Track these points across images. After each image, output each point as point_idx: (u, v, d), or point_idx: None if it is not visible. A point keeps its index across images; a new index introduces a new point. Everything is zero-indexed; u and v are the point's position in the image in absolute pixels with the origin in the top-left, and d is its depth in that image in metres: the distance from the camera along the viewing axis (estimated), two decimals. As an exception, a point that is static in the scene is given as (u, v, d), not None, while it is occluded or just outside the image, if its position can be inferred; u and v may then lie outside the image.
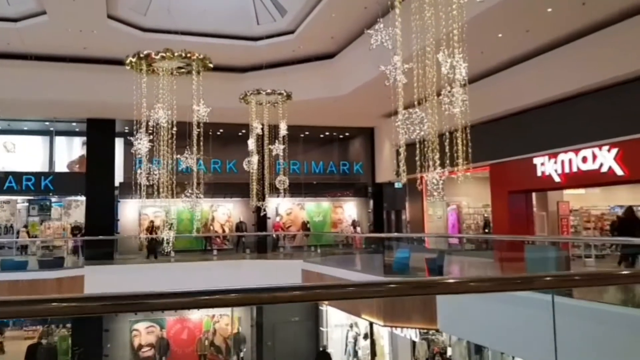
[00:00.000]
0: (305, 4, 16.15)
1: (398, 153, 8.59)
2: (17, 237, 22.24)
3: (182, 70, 11.75)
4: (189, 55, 10.63)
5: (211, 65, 11.43)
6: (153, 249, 19.06)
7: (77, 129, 24.26)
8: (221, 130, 24.61)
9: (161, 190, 11.23)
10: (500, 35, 14.10)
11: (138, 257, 21.57)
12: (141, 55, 10.57)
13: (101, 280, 16.86)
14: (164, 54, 10.38)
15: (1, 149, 24.32)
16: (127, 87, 12.48)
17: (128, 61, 10.85)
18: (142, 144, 10.99)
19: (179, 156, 11.59)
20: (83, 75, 18.62)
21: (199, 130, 11.79)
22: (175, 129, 11.36)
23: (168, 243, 11.40)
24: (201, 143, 11.99)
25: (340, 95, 19.32)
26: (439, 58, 8.32)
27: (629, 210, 15.19)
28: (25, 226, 23.31)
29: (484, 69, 16.33)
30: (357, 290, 2.29)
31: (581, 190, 20.55)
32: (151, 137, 11.56)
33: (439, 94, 8.49)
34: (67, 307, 1.78)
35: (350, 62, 18.30)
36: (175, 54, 10.52)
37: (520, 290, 2.76)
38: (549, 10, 12.46)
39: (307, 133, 25.94)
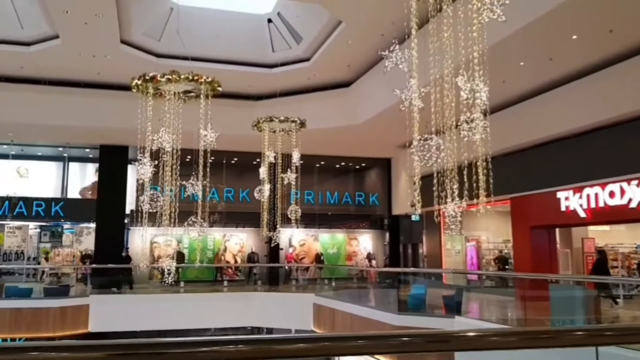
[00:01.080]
0: (321, 31, 15.84)
1: (414, 182, 7.98)
2: (37, 263, 22.15)
3: (191, 94, 11.33)
4: (196, 77, 10.24)
5: (220, 89, 11.03)
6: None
7: (90, 155, 24.13)
8: (235, 159, 24.34)
9: (164, 218, 10.71)
10: (522, 63, 13.56)
11: (149, 286, 21.08)
12: (147, 78, 10.21)
13: (106, 310, 16.34)
14: (169, 76, 10.01)
15: (15, 174, 24.19)
16: (140, 114, 12.20)
17: (134, 83, 10.49)
18: (145, 170, 10.54)
19: (184, 182, 11.10)
20: (96, 101, 18.46)
21: (206, 156, 11.27)
22: (179, 154, 10.89)
23: (169, 274, 10.83)
24: (208, 169, 11.48)
25: (356, 124, 18.89)
26: (458, 82, 7.78)
27: None
28: (47, 252, 23.10)
29: (505, 99, 15.76)
30: (359, 344, 1.80)
31: (605, 227, 19.67)
32: (157, 162, 11.12)
33: (457, 122, 7.92)
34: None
35: (366, 90, 17.89)
36: (182, 77, 10.13)
37: (551, 347, 2.11)
38: (574, 37, 11.92)
39: (322, 163, 25.52)
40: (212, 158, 24.23)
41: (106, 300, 16.98)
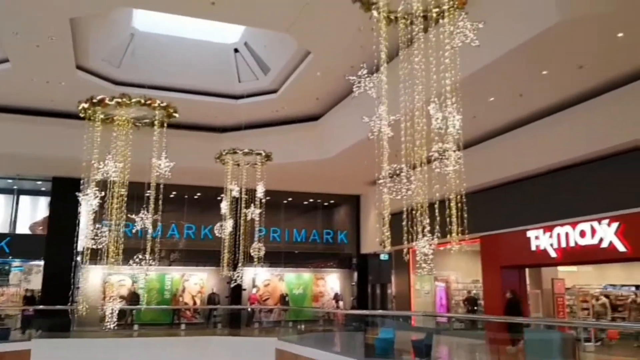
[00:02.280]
0: (289, 62, 15.37)
1: (382, 217, 7.33)
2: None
3: (145, 120, 10.58)
4: (148, 102, 9.51)
5: (176, 115, 10.33)
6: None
7: (42, 188, 22.83)
8: (199, 194, 23.48)
9: (110, 255, 9.78)
10: (492, 99, 13.28)
11: (99, 330, 19.66)
12: (95, 101, 9.43)
13: (50, 356, 14.98)
14: (119, 100, 9.26)
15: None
16: (86, 141, 11.37)
17: (80, 107, 9.69)
18: (90, 203, 9.65)
19: (134, 216, 10.23)
20: (49, 130, 17.47)
21: (158, 188, 10.45)
22: (127, 185, 10.04)
23: (111, 317, 9.82)
24: (160, 202, 10.64)
25: (325, 158, 18.35)
26: (430, 110, 7.26)
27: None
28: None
29: (475, 135, 15.45)
30: None
31: (573, 268, 19.39)
32: (103, 195, 10.24)
33: (429, 153, 7.35)
34: None
35: (335, 124, 17.43)
36: (133, 100, 9.40)
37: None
38: (544, 72, 11.68)
39: (289, 199, 24.87)
40: (174, 193, 23.68)
41: (51, 345, 15.62)
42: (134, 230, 11.01)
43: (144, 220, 10.59)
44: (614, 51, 10.41)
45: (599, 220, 13.54)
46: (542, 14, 9.52)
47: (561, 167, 14.23)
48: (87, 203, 10.03)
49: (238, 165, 15.86)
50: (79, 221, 13.86)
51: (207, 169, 17.45)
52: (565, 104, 13.09)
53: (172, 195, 23.83)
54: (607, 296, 17.76)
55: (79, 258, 20.94)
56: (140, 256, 10.05)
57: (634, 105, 11.58)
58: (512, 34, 10.30)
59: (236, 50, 16.65)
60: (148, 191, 10.96)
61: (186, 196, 23.67)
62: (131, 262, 10.08)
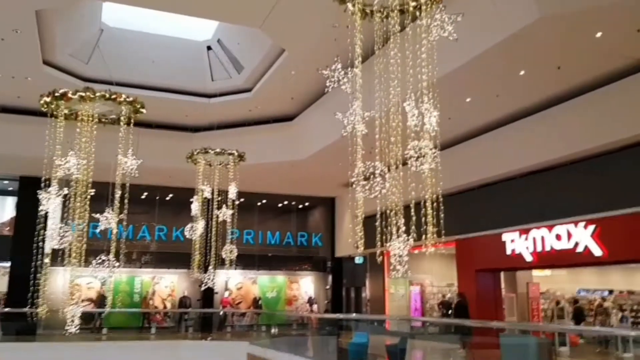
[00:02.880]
0: (263, 60, 15.02)
1: (355, 216, 7.03)
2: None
3: (112, 117, 10.11)
4: (113, 97, 9.06)
5: (143, 111, 9.89)
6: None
7: (10, 188, 22.05)
8: (171, 195, 22.97)
9: (73, 256, 9.30)
10: (468, 99, 13.14)
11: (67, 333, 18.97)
12: (57, 95, 8.95)
13: (14, 360, 14.40)
14: (83, 94, 8.81)
15: None
16: (49, 137, 10.83)
17: (42, 101, 9.19)
18: (51, 202, 9.16)
19: (98, 215, 9.76)
20: (15, 127, 16.83)
21: (124, 187, 9.99)
22: (90, 182, 9.55)
23: (72, 321, 9.33)
24: (126, 201, 10.18)
25: (300, 159, 18.03)
26: (406, 107, 6.99)
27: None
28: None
29: (451, 137, 15.30)
30: None
31: (547, 272, 19.41)
32: (66, 193, 9.74)
33: (405, 151, 7.06)
34: None
35: (310, 124, 17.12)
36: (97, 94, 8.94)
37: None
38: (522, 73, 11.55)
39: (264, 201, 24.51)
40: (145, 194, 23.05)
41: (15, 348, 15.07)
42: (98, 230, 10.51)
43: (109, 220, 10.10)
44: (593, 51, 10.32)
45: (575, 223, 13.47)
46: (521, 12, 9.36)
47: (537, 170, 14.16)
48: (48, 202, 9.51)
49: (210, 165, 15.43)
50: (44, 221, 13.30)
51: (178, 169, 17.00)
52: (543, 106, 13.01)
53: (143, 197, 23.34)
54: (576, 301, 17.82)
55: (47, 259, 20.23)
56: (103, 257, 9.57)
57: (611, 108, 11.54)
58: (490, 32, 10.13)
59: (209, 48, 16.25)
60: (116, 190, 10.46)
61: (158, 197, 23.13)
62: (94, 262, 9.59)
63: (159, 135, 18.65)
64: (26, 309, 15.73)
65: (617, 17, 9.18)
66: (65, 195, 10.20)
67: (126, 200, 10.35)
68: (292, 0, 11.50)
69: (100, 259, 9.51)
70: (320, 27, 11.91)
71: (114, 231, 10.38)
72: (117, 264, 9.70)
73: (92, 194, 9.59)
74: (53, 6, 12.41)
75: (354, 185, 6.94)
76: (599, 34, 9.69)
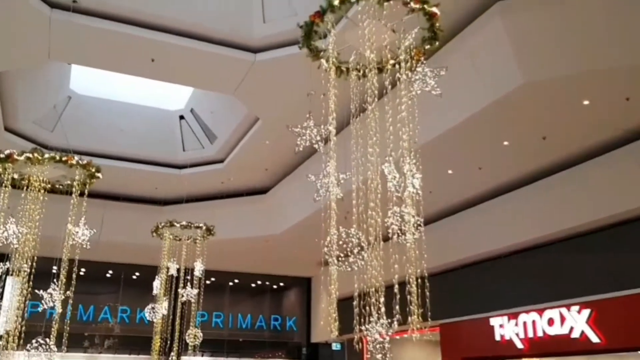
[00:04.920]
0: (236, 129, 14.44)
1: (329, 294, 6.05)
2: None
3: (66, 183, 9.19)
4: (64, 159, 8.21)
5: (99, 175, 8.98)
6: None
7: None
8: (137, 274, 21.63)
9: (8, 338, 8.03)
10: (450, 171, 12.51)
11: None
12: (1, 156, 8.08)
13: None
14: (29, 155, 7.96)
15: None
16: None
17: (-16, 163, 8.28)
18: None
19: (42, 292, 8.61)
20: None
21: (72, 262, 8.90)
22: (34, 255, 8.47)
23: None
24: (73, 277, 9.04)
25: (273, 234, 17.11)
26: (385, 170, 6.22)
27: None
28: None
29: (431, 212, 14.55)
30: None
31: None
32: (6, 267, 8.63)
33: (384, 237, 6.18)
34: None
35: (284, 197, 16.36)
36: (46, 156, 8.10)
37: None
38: (505, 143, 11.01)
39: (236, 281, 23.40)
40: (110, 272, 21.66)
41: None
42: (40, 310, 9.30)
43: (53, 297, 8.92)
44: (580, 121, 9.85)
45: (568, 307, 12.48)
46: (504, 77, 8.92)
47: (526, 248, 13.35)
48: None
49: (180, 240, 14.41)
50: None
51: (146, 246, 15.93)
52: (529, 179, 12.41)
53: (108, 275, 21.97)
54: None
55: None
56: (40, 340, 8.29)
57: (603, 181, 10.94)
58: (471, 98, 9.65)
59: (182, 117, 15.71)
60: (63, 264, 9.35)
61: (123, 276, 21.78)
62: (28, 347, 8.30)
63: (126, 208, 17.75)
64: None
65: (605, 84, 8.76)
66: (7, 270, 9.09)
67: (74, 276, 9.22)
68: (266, 66, 11.08)
69: (37, 341, 8.22)
70: (295, 94, 11.37)
71: (59, 310, 9.15)
72: (55, 349, 8.37)
73: (29, 269, 8.44)
74: (15, 68, 11.79)
75: (327, 257, 6.01)
76: (586, 102, 9.24)
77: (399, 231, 6.01)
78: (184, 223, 13.45)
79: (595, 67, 8.34)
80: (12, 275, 9.11)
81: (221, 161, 15.84)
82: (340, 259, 6.33)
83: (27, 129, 14.65)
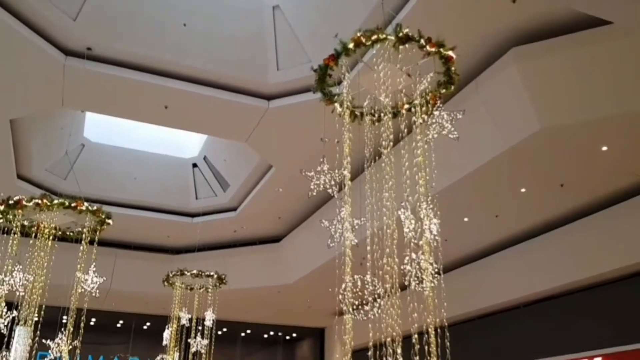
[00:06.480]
0: (249, 177, 14.36)
1: (344, 344, 5.78)
2: None
3: (76, 230, 9.11)
4: (74, 205, 8.14)
5: (110, 222, 8.89)
6: None
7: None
8: (148, 324, 21.23)
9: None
10: (466, 219, 12.28)
11: None
12: (10, 202, 8.04)
13: None
14: (38, 201, 7.91)
15: None
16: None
17: (-5, 211, 8.23)
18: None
19: (49, 341, 8.39)
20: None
21: (80, 313, 8.71)
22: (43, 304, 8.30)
23: None
24: (81, 326, 8.82)
25: (286, 283, 16.79)
26: (401, 216, 6.05)
27: None
28: None
29: (447, 261, 14.16)
30: None
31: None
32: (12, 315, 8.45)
33: (402, 286, 5.98)
34: None
35: (298, 246, 16.12)
36: (55, 202, 8.04)
37: None
38: (522, 190, 10.82)
39: (248, 332, 22.86)
40: (121, 322, 21.31)
41: None
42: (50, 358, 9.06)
43: (60, 346, 8.69)
44: (598, 167, 9.65)
45: (591, 359, 11.99)
46: (521, 123, 8.81)
47: (543, 298, 12.96)
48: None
49: (191, 289, 14.19)
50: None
51: (157, 295, 15.72)
52: (546, 227, 12.12)
53: (119, 325, 21.60)
54: None
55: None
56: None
57: (622, 229, 10.62)
58: (487, 145, 9.53)
59: (195, 165, 15.72)
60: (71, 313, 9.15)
61: (133, 326, 21.40)
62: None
63: (138, 257, 17.60)
64: None
65: (624, 129, 8.60)
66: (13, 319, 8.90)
67: (82, 325, 9.00)
68: (280, 113, 11.10)
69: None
70: (308, 141, 11.36)
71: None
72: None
73: (39, 318, 8.27)
74: (29, 114, 11.91)
75: (342, 306, 5.78)
76: (604, 148, 9.08)
77: (416, 278, 5.81)
78: (194, 272, 13.24)
79: (613, 113, 8.22)
80: (19, 324, 8.91)
81: (234, 209, 15.72)
82: (355, 307, 6.13)
83: (40, 177, 14.68)
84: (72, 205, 8.21)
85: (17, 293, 8.17)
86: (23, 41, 9.36)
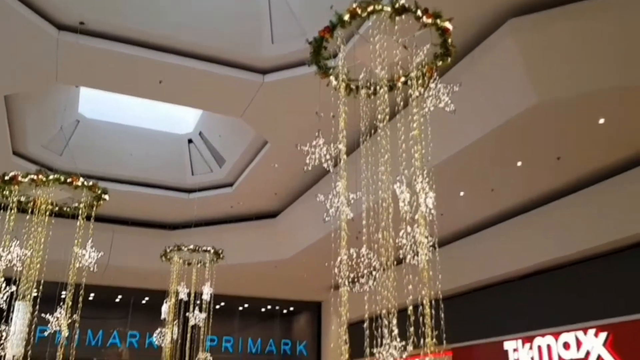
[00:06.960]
0: (245, 153, 14.33)
1: (340, 316, 5.85)
2: None
3: (73, 206, 9.11)
4: (69, 180, 8.13)
5: (106, 197, 8.89)
6: None
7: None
8: (147, 299, 21.43)
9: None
10: (462, 194, 12.31)
11: None
12: (6, 178, 8.02)
13: None
14: (34, 177, 7.89)
15: None
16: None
17: (-13, 184, 8.23)
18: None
19: (48, 316, 8.46)
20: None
21: (77, 288, 8.77)
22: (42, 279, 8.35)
23: None
24: (79, 300, 8.90)
25: (283, 258, 16.88)
26: (396, 190, 6.06)
27: None
28: None
29: (443, 235, 14.25)
30: None
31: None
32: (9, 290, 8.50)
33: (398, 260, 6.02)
34: None
35: (294, 221, 16.18)
36: (51, 178, 8.02)
37: None
38: (519, 164, 10.81)
39: (245, 305, 23.12)
40: (119, 297, 21.48)
41: None
42: (45, 334, 9.14)
43: (59, 321, 8.77)
44: (596, 140, 9.64)
45: (585, 331, 12.13)
46: (517, 96, 8.76)
47: (540, 270, 13.04)
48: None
49: (189, 264, 14.29)
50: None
51: (154, 270, 15.79)
52: (543, 200, 12.17)
53: (117, 300, 21.79)
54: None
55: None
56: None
57: (619, 201, 10.67)
58: (485, 118, 9.50)
59: (190, 141, 15.67)
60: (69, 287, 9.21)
61: (132, 300, 21.60)
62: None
63: (135, 232, 17.65)
64: None
65: (621, 102, 8.58)
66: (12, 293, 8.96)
67: (80, 300, 9.06)
68: (275, 87, 11.01)
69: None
70: (304, 116, 11.25)
71: (64, 334, 8.98)
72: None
73: (37, 293, 8.33)
74: (23, 91, 11.80)
75: (338, 279, 5.83)
76: (601, 121, 9.06)
77: (411, 251, 5.85)
78: (192, 247, 13.32)
79: (610, 85, 8.18)
80: (18, 299, 8.98)
81: (230, 185, 15.72)
82: (351, 280, 6.17)
83: (36, 153, 14.62)
84: (68, 180, 8.18)
85: (15, 268, 8.19)
86: (15, 15, 9.22)
